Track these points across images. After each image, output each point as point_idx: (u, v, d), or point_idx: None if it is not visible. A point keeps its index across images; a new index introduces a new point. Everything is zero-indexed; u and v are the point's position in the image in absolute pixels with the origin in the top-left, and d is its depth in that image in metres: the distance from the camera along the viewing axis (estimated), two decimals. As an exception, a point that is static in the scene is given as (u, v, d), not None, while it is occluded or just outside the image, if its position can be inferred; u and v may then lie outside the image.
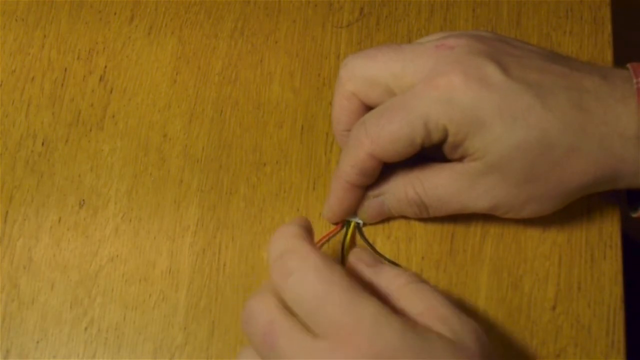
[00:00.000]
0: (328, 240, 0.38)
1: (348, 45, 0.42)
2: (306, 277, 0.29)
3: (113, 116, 0.42)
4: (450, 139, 0.34)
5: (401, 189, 0.36)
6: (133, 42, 0.43)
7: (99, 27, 0.44)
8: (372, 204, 0.37)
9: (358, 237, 0.38)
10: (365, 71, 0.36)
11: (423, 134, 0.33)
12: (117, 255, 0.39)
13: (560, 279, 0.37)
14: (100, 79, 0.42)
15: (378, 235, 0.38)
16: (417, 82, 0.34)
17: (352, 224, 0.38)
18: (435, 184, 0.35)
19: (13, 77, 0.43)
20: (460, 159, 0.35)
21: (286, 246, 0.30)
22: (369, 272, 0.34)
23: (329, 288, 0.29)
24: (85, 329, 0.38)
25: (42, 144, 0.41)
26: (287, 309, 0.30)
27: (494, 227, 0.38)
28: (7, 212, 0.40)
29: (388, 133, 0.34)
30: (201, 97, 0.42)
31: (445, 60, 0.34)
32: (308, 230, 0.32)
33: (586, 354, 0.36)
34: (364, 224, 0.38)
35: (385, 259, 0.37)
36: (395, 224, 0.38)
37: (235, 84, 0.42)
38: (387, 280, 0.33)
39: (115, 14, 0.44)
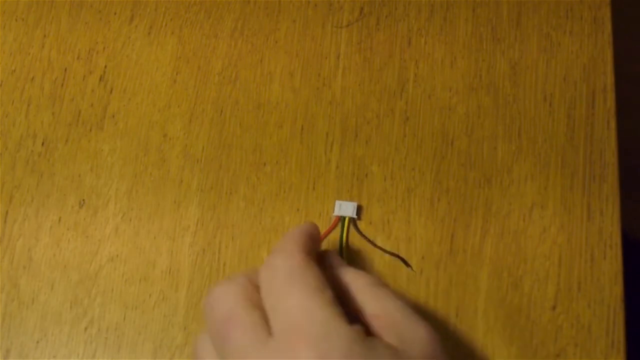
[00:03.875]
0: (325, 238, 0.38)
1: (348, 45, 0.42)
2: (278, 273, 0.30)
3: (113, 116, 0.42)
4: None
5: None
6: (133, 42, 0.43)
7: (99, 27, 0.44)
8: None
9: (359, 236, 0.38)
10: None
11: None
12: (117, 255, 0.39)
13: (560, 279, 0.37)
14: (100, 79, 0.42)
15: (378, 235, 0.38)
16: None
17: (347, 220, 0.38)
18: None
19: (13, 77, 0.43)
20: None
21: (281, 246, 0.32)
22: (333, 272, 0.34)
23: (293, 288, 0.30)
24: (85, 329, 0.38)
25: (42, 144, 0.41)
26: (253, 302, 0.30)
27: (494, 227, 0.38)
28: (7, 212, 0.40)
29: None
30: (201, 97, 0.42)
31: None
32: (311, 237, 0.33)
33: (586, 354, 0.36)
34: (359, 219, 0.38)
35: (385, 251, 0.38)
36: (395, 224, 0.38)
37: (235, 84, 0.42)
38: (348, 280, 0.34)
39: (115, 14, 0.44)
